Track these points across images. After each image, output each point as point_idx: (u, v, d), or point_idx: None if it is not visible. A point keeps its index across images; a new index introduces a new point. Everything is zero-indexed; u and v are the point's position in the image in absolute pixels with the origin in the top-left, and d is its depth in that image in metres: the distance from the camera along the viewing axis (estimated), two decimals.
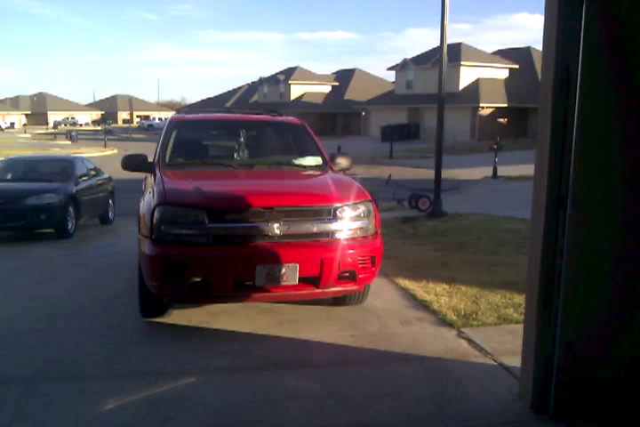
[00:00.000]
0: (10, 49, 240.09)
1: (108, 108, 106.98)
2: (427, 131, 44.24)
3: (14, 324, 5.19)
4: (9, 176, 11.16)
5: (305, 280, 4.67)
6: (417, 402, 3.63)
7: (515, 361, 4.08)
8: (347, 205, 4.86)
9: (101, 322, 5.19)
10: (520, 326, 4.82)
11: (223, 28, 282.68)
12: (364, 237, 4.92)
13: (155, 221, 4.59)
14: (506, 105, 42.36)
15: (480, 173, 22.91)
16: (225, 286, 4.54)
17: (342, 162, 6.32)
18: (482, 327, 4.90)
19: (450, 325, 4.99)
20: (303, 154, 6.31)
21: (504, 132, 36.95)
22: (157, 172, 5.48)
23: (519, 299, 5.77)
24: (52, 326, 5.13)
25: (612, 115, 3.30)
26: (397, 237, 9.70)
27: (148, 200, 4.96)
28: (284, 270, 4.55)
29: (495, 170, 21.95)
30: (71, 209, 10.46)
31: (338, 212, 4.80)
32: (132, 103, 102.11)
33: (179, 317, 5.20)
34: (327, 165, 6.11)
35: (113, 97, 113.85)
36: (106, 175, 12.93)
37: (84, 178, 11.67)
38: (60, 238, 10.12)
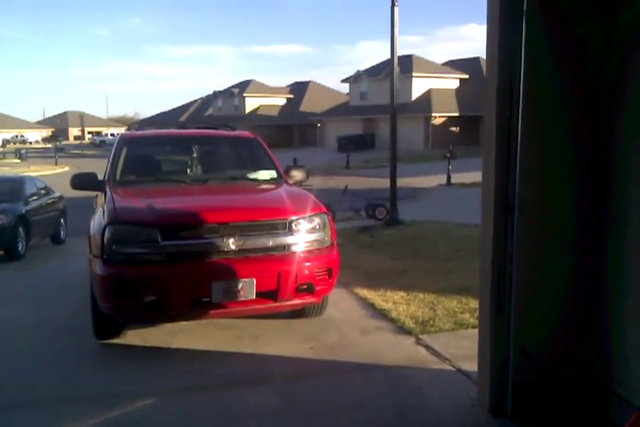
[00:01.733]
0: None
1: (59, 124, 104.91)
2: (382, 140, 44.70)
3: None
4: None
5: (262, 294, 4.65)
6: (378, 412, 3.64)
7: (472, 366, 4.13)
8: (302, 218, 4.87)
9: (55, 345, 5.06)
10: (476, 331, 4.90)
11: (175, 43, 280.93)
12: (320, 249, 4.93)
13: (105, 240, 4.51)
14: (457, 114, 43.15)
15: (434, 180, 23.23)
16: (181, 304, 4.48)
17: (297, 174, 6.34)
18: (439, 334, 4.96)
19: (408, 332, 5.03)
20: (257, 168, 6.30)
21: (456, 140, 37.62)
22: (108, 190, 5.39)
23: (474, 304, 5.85)
24: (3, 349, 4.98)
25: (555, 121, 3.41)
26: (356, 246, 9.74)
27: (98, 219, 4.88)
28: (240, 285, 4.52)
29: (449, 177, 22.29)
30: (21, 230, 10.17)
31: (293, 225, 4.80)
32: (83, 119, 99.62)
33: (135, 337, 5.11)
34: (282, 179, 6.11)
35: (64, 113, 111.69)
36: (56, 194, 12.64)
37: (34, 198, 11.38)
38: (10, 260, 9.81)
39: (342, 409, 3.68)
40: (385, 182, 23.08)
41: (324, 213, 5.08)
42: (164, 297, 4.44)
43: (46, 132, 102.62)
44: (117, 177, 5.76)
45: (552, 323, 3.57)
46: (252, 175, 6.13)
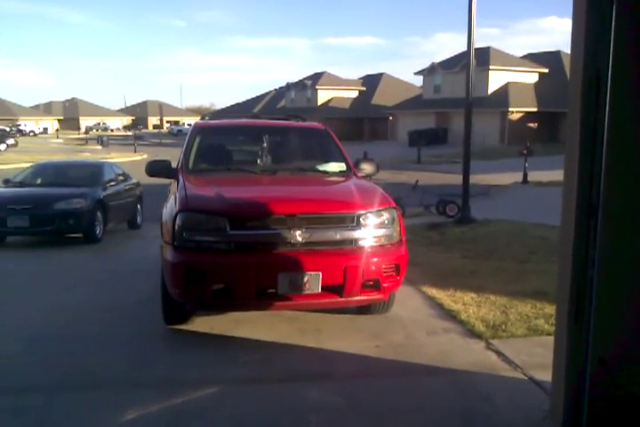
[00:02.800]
0: (41, 56, 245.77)
1: (139, 113, 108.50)
2: (455, 135, 43.83)
3: (40, 330, 5.21)
4: (38, 181, 11.30)
5: (328, 289, 4.59)
6: (443, 417, 3.51)
7: (545, 375, 3.93)
8: (370, 212, 4.76)
9: (125, 329, 5.19)
10: (551, 339, 4.66)
11: (250, 34, 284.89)
12: (388, 244, 4.82)
13: (176, 227, 4.56)
14: (536, 109, 41.78)
15: (509, 178, 22.54)
16: (247, 294, 4.48)
17: (367, 168, 6.22)
18: (511, 339, 4.75)
19: (478, 336, 4.85)
20: (326, 160, 6.24)
21: (534, 136, 36.39)
22: (180, 178, 5.46)
23: (550, 309, 5.59)
24: (76, 333, 5.14)
25: None
26: (424, 243, 9.54)
27: (170, 206, 4.94)
28: (306, 278, 4.47)
29: (525, 175, 21.56)
30: (99, 214, 10.54)
31: (361, 219, 4.71)
32: (161, 109, 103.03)
33: (202, 324, 5.16)
34: (351, 171, 6.02)
35: (143, 102, 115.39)
36: (134, 180, 13.01)
37: (112, 183, 11.76)
38: (88, 243, 10.20)
39: (405, 412, 3.57)
40: (457, 179, 22.59)
41: (394, 207, 4.96)
42: (231, 286, 4.45)
43: (127, 121, 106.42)
44: (190, 165, 5.83)
45: (633, 334, 3.33)
46: (322, 167, 6.07)
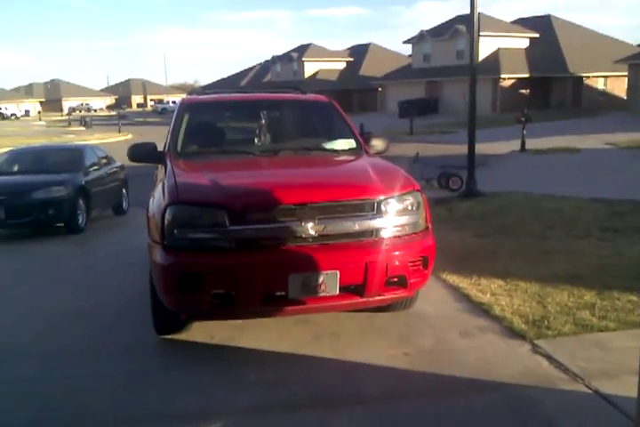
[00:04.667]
0: (21, 37, 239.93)
1: (122, 92, 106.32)
2: (446, 105, 42.99)
3: (3, 346, 4.48)
4: (14, 169, 10.47)
5: (347, 289, 3.92)
6: None
7: (612, 387, 3.32)
8: (392, 197, 4.07)
9: (110, 342, 4.48)
10: (605, 336, 4.08)
11: (231, 8, 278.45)
12: (413, 234, 4.14)
13: (166, 223, 3.84)
14: (527, 75, 40.86)
15: (506, 146, 21.83)
16: (252, 300, 3.80)
17: (378, 144, 5.50)
18: (559, 339, 4.09)
19: (520, 336, 4.19)
20: (333, 136, 5.51)
21: (526, 103, 35.59)
22: (168, 163, 4.73)
23: (590, 297, 4.99)
24: (49, 348, 4.40)
25: None
26: (432, 221, 8.88)
27: (158, 198, 4.22)
28: (322, 279, 3.80)
29: (523, 143, 20.89)
30: (81, 202, 9.77)
31: (382, 205, 4.02)
32: (145, 87, 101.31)
33: (199, 331, 4.48)
34: (362, 149, 5.30)
35: (126, 81, 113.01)
36: (118, 163, 12.21)
37: (95, 168, 10.96)
38: (70, 234, 9.44)
39: None
40: (453, 149, 22.00)
41: (418, 190, 4.27)
42: (234, 291, 3.76)
43: (110, 100, 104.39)
44: (179, 148, 5.07)
45: None
46: (329, 145, 5.34)
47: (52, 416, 3.40)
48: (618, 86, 40.27)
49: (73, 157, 10.74)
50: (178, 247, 3.83)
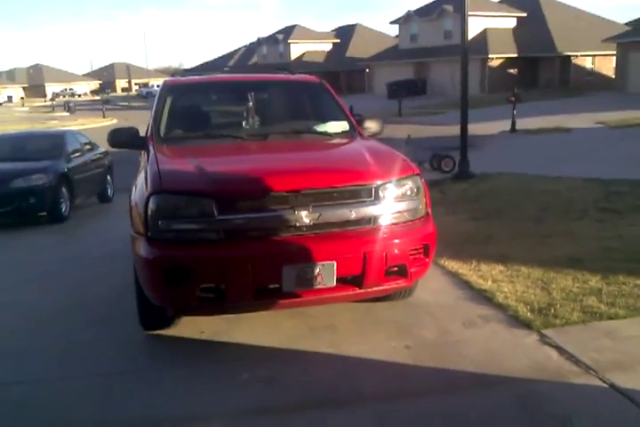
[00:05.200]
0: (1, 21, 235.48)
1: (106, 77, 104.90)
2: (434, 86, 42.58)
3: None
4: None
5: (344, 280, 3.70)
6: None
7: (628, 380, 3.15)
8: (390, 182, 3.84)
9: (92, 338, 4.22)
10: (616, 324, 3.89)
11: None
12: (413, 221, 3.91)
13: (150, 214, 3.58)
14: (516, 55, 40.56)
15: (495, 127, 21.59)
16: (244, 294, 3.57)
17: (372, 126, 5.26)
18: (568, 328, 3.89)
19: (526, 325, 3.99)
20: (325, 118, 5.24)
21: (515, 83, 35.33)
22: (151, 149, 4.45)
23: (596, 281, 4.80)
24: (30, 344, 4.17)
25: None
26: None
27: (140, 186, 3.95)
28: (317, 270, 3.57)
29: (514, 124, 20.67)
30: (64, 190, 9.45)
31: (380, 191, 3.78)
32: (129, 71, 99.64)
33: (189, 326, 4.25)
34: (355, 131, 5.05)
35: (110, 65, 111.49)
36: (102, 149, 11.85)
37: (77, 154, 10.62)
38: (53, 223, 9.11)
39: None
40: (444, 131, 21.74)
41: (417, 174, 4.03)
42: (224, 285, 3.53)
43: (94, 85, 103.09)
44: (162, 133, 4.79)
45: None
46: (321, 128, 5.08)
47: (24, 424, 3.17)
48: (605, 65, 40.10)
49: (54, 144, 10.37)
50: (163, 240, 3.57)
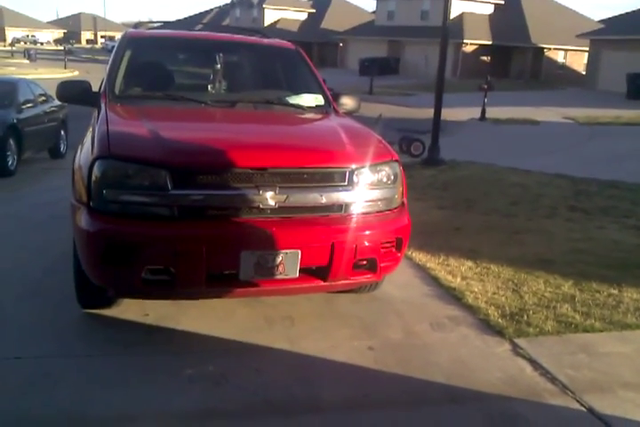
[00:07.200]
0: None
1: (72, 27, 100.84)
2: (407, 66, 42.23)
3: None
4: None
5: (308, 271, 3.35)
6: None
7: (608, 405, 2.90)
8: (366, 167, 3.47)
9: (22, 315, 3.78)
10: (591, 338, 3.65)
11: None
12: (388, 211, 3.56)
13: (93, 180, 3.14)
14: (490, 42, 40.40)
15: (465, 114, 21.41)
16: (195, 279, 3.17)
17: (348, 102, 4.88)
18: (542, 338, 3.63)
19: (498, 332, 3.71)
20: (299, 90, 4.81)
21: (487, 71, 35.24)
22: (103, 106, 3.95)
23: (568, 287, 4.58)
24: None
25: None
26: None
27: (86, 148, 3.48)
28: (280, 259, 3.20)
29: (484, 112, 20.54)
30: (12, 142, 8.80)
31: (354, 176, 3.41)
32: (96, 23, 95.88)
33: (132, 307, 3.83)
34: (331, 106, 4.65)
35: (77, 15, 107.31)
36: (57, 102, 11.10)
37: (29, 105, 9.92)
38: None
39: None
40: (414, 113, 21.42)
41: (396, 160, 3.67)
42: (173, 267, 3.13)
43: (58, 34, 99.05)
44: (116, 90, 4.28)
45: None
46: (293, 99, 4.65)
47: None
48: (577, 61, 40.36)
49: (4, 92, 9.62)
50: (107, 211, 3.13)
